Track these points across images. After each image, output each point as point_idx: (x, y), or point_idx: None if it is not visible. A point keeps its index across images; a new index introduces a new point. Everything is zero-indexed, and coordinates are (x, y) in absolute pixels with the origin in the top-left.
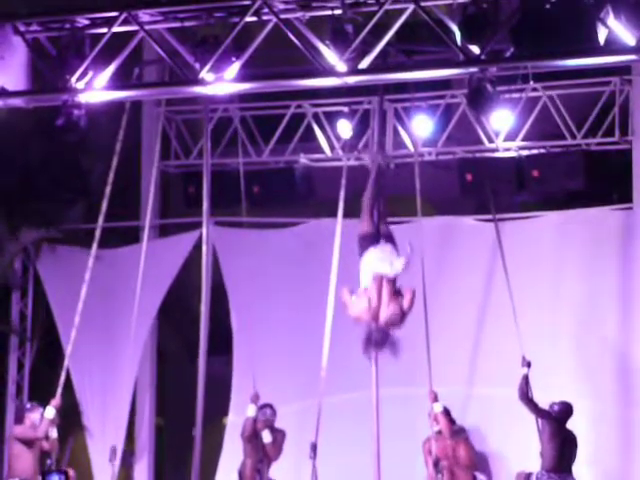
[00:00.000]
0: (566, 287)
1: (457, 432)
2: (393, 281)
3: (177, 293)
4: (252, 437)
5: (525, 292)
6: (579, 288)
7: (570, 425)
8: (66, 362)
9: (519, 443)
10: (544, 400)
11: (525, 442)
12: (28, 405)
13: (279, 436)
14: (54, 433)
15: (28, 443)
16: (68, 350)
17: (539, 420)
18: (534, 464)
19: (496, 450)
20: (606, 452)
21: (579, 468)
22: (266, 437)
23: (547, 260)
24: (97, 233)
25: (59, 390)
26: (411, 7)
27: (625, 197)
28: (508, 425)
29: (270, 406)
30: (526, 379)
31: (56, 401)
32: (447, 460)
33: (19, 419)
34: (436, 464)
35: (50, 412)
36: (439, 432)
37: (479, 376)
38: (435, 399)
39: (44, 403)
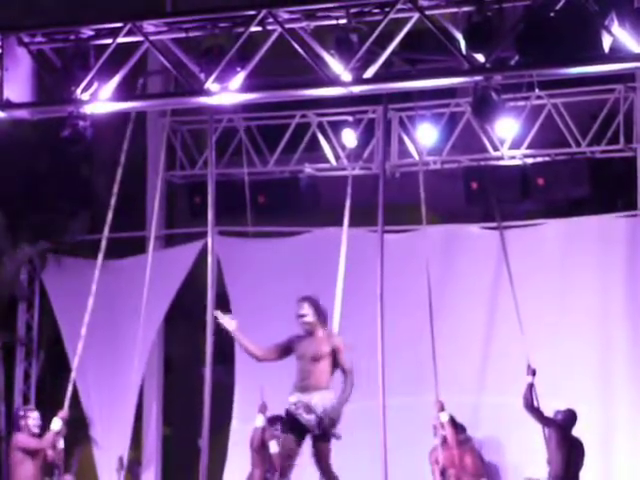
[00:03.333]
0: (571, 295)
1: (463, 441)
2: None
3: (183, 302)
4: (260, 448)
5: (530, 300)
6: (584, 295)
7: (578, 432)
8: (73, 374)
9: (526, 451)
10: (553, 407)
11: (532, 450)
12: (21, 412)
13: None
14: (61, 444)
15: (31, 452)
16: (75, 362)
17: (545, 428)
18: (541, 472)
19: (503, 458)
20: (614, 458)
21: (586, 475)
22: (273, 447)
23: (552, 268)
24: (103, 244)
25: (66, 401)
26: (416, 16)
27: (630, 204)
28: (515, 433)
29: (281, 419)
30: (531, 387)
31: (64, 412)
32: (454, 469)
33: (17, 427)
34: (443, 473)
35: (57, 424)
36: (444, 441)
37: (486, 384)
38: (441, 409)
39: (51, 414)
